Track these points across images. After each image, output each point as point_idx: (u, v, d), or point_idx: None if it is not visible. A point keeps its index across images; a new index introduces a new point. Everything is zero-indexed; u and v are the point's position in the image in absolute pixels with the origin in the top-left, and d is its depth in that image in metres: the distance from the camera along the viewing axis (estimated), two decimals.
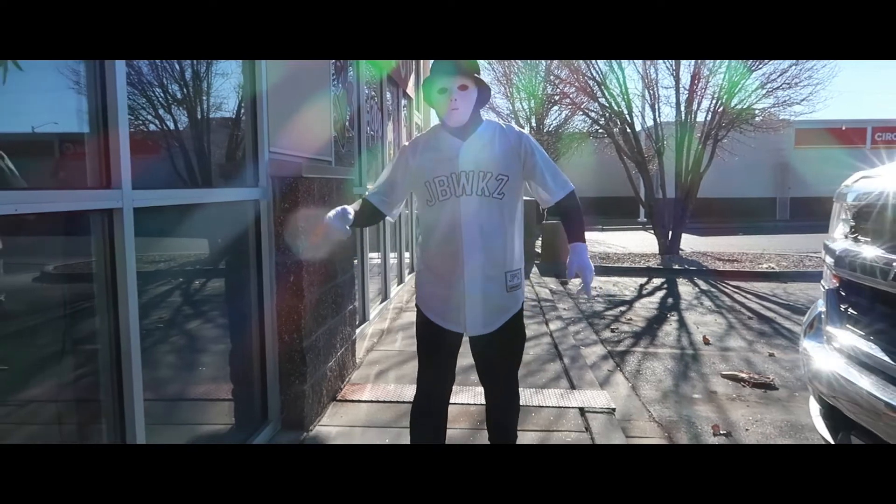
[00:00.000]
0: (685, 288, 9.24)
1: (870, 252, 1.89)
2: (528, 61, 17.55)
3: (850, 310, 2.05)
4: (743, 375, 4.75)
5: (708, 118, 12.68)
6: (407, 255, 7.54)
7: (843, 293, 2.11)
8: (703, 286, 9.39)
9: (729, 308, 7.63)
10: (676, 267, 11.13)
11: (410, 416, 2.49)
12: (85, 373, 2.01)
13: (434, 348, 2.38)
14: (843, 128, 24.84)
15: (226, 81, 2.93)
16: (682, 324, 6.79)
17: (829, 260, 2.18)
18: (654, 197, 13.02)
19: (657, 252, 12.92)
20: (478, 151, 2.25)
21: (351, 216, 2.18)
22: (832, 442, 2.03)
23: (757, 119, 13.35)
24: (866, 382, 1.78)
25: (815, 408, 2.19)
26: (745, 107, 12.47)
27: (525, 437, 3.18)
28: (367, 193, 2.45)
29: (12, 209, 1.58)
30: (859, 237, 2.04)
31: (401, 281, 7.10)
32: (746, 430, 3.75)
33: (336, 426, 3.35)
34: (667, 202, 13.13)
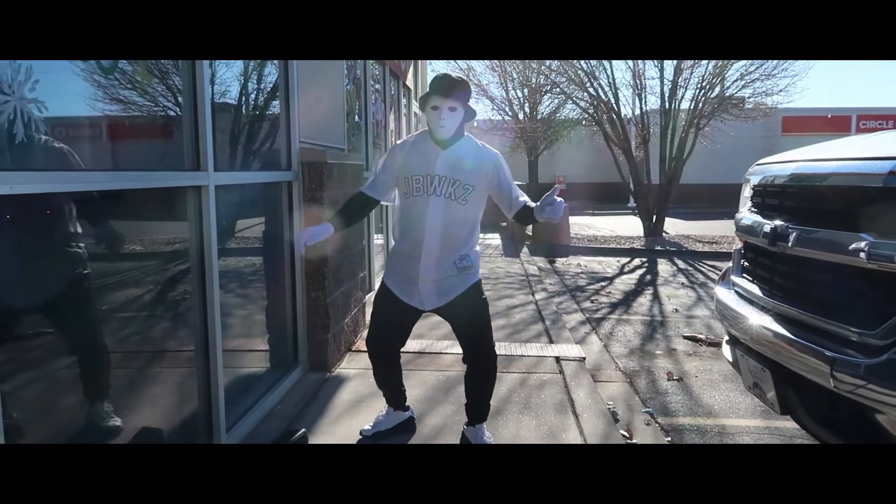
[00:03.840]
0: (664, 267, 9.95)
1: (757, 220, 2.57)
2: None
3: (745, 263, 2.74)
4: (701, 337, 5.47)
5: (691, 107, 13.34)
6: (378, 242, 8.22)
7: (743, 252, 2.79)
8: (682, 265, 10.10)
9: (701, 284, 8.34)
10: (658, 248, 11.84)
11: (373, 371, 2.95)
12: (182, 317, 2.68)
13: (382, 314, 2.83)
14: (829, 116, 25.54)
15: (267, 83, 3.59)
16: (656, 296, 7.51)
17: (737, 227, 2.86)
18: (640, 182, 13.70)
19: (642, 235, 13.63)
20: (453, 161, 2.65)
21: (331, 226, 2.70)
22: (730, 359, 2.74)
23: (743, 107, 14.04)
24: (746, 311, 2.48)
25: (725, 339, 2.89)
26: (725, 97, 13.15)
27: (508, 378, 3.88)
28: (363, 188, 2.85)
29: (121, 185, 2.19)
30: (753, 209, 2.72)
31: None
32: (696, 377, 4.47)
33: (353, 369, 4.04)
34: (651, 187, 13.81)
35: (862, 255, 1.87)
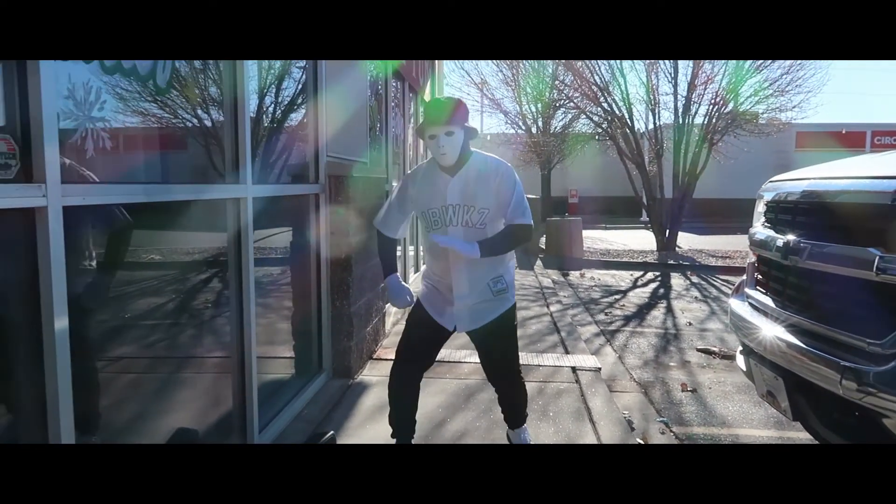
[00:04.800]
0: (677, 281, 10.02)
1: (770, 234, 2.67)
2: (536, 64, 18.32)
3: (759, 276, 2.85)
4: (715, 349, 5.54)
5: (704, 122, 13.44)
6: (411, 251, 8.31)
7: (757, 265, 2.89)
8: (695, 280, 10.16)
9: (714, 298, 8.41)
10: (671, 262, 11.91)
11: (388, 386, 2.80)
12: (221, 323, 2.82)
13: (414, 331, 2.76)
14: (844, 131, 25.51)
15: (298, 99, 3.75)
16: (670, 310, 7.59)
17: (751, 242, 2.96)
18: (654, 197, 13.77)
19: (655, 249, 13.69)
20: (462, 187, 2.58)
21: (407, 287, 2.69)
22: (744, 369, 2.84)
23: (758, 122, 14.12)
24: (759, 322, 2.59)
25: (738, 349, 2.99)
26: (738, 112, 13.24)
27: (526, 387, 3.97)
28: (378, 224, 2.81)
29: (173, 197, 2.33)
30: (766, 224, 2.83)
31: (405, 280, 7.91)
32: (709, 388, 4.55)
33: (374, 376, 4.16)
34: (665, 202, 13.88)
35: (871, 268, 1.98)
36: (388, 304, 5.72)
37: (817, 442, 2.55)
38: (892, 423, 1.88)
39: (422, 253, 2.55)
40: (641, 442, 3.39)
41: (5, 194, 1.44)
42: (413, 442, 2.89)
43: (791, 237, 2.45)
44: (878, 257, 1.96)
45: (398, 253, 4.68)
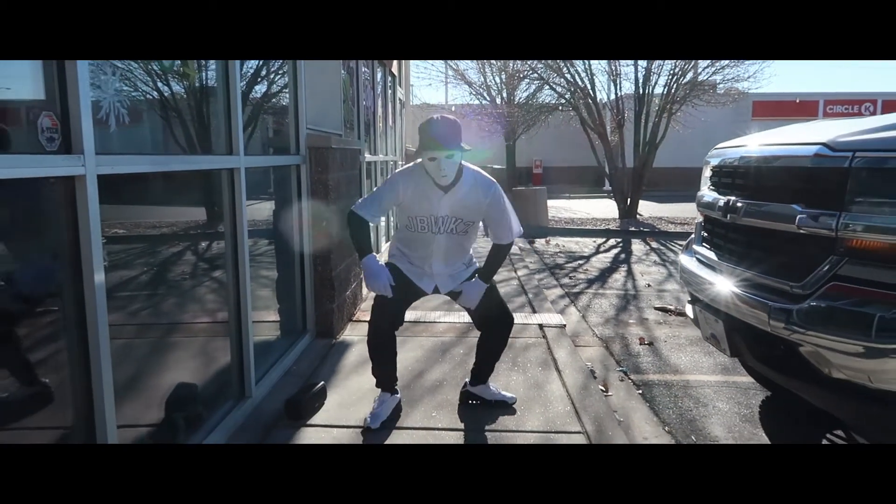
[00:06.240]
0: (638, 246, 10.46)
1: (714, 196, 3.00)
2: None
3: (705, 234, 3.19)
4: (671, 307, 5.95)
5: (664, 92, 13.84)
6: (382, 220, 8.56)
7: (703, 224, 3.24)
8: (655, 245, 10.63)
9: (672, 262, 8.85)
10: (633, 229, 12.37)
11: (368, 344, 3.01)
12: (219, 287, 3.05)
13: (396, 288, 2.89)
14: (798, 101, 26.33)
15: (279, 74, 3.94)
16: (630, 273, 8.00)
17: (698, 204, 3.29)
18: (615, 166, 14.18)
19: (617, 217, 14.15)
20: (454, 203, 2.86)
21: (386, 270, 2.87)
22: (691, 317, 3.19)
23: (714, 92, 14.58)
24: (704, 273, 2.94)
25: (687, 300, 3.34)
26: (697, 82, 13.67)
27: None
28: (358, 209, 2.93)
29: (175, 167, 2.56)
30: (711, 187, 3.16)
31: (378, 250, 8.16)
32: (665, 341, 4.94)
33: (355, 336, 4.43)
34: (626, 171, 14.31)
35: (793, 222, 2.31)
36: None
37: (758, 386, 2.90)
38: (806, 350, 2.23)
39: (393, 221, 2.74)
40: (603, 388, 3.74)
41: (52, 164, 1.66)
42: (397, 389, 3.19)
43: (730, 197, 2.78)
44: (798, 212, 2.30)
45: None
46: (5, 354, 1.72)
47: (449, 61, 21.59)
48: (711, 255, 3.00)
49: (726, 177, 3.03)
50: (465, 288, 3.01)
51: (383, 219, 7.02)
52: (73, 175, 1.73)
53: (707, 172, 3.28)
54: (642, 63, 13.65)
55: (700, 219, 3.32)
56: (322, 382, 3.25)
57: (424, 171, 2.85)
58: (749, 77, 14.05)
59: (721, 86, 14.47)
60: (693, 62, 13.26)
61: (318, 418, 3.08)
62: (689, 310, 3.26)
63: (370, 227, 3.04)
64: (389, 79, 8.93)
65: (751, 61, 13.61)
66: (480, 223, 3.09)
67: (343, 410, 3.17)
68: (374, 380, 3.12)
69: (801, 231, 2.29)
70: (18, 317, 1.77)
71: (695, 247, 3.27)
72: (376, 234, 7.25)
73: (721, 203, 2.84)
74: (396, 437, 2.91)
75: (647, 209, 15.93)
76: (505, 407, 3.21)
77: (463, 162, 2.88)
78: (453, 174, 2.81)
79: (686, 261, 3.26)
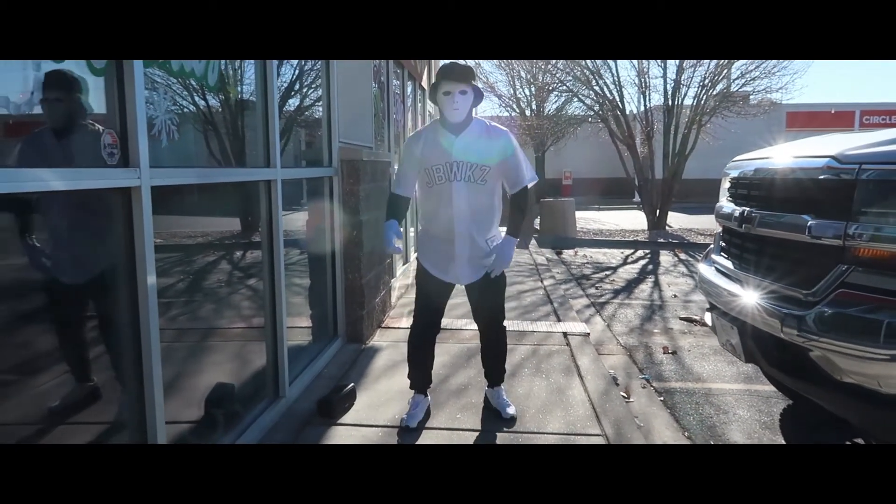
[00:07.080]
0: (666, 258, 10.46)
1: (732, 207, 3.09)
2: None
3: (723, 244, 3.28)
4: (696, 318, 5.99)
5: (694, 104, 13.83)
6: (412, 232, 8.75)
7: (721, 234, 3.32)
8: (683, 257, 10.61)
9: None
10: (661, 241, 12.35)
11: (408, 346, 3.25)
12: (257, 293, 3.23)
13: (427, 294, 3.14)
14: (833, 111, 25.92)
15: (313, 89, 4.14)
16: (657, 284, 8.03)
17: (717, 214, 3.38)
18: (645, 178, 14.18)
19: (646, 228, 14.13)
20: (467, 145, 2.90)
21: (400, 231, 2.99)
22: (710, 324, 3.27)
23: (743, 104, 14.52)
24: (721, 282, 3.02)
25: (706, 308, 3.42)
26: (727, 94, 13.64)
27: (521, 349, 4.42)
28: (394, 189, 3.09)
29: (217, 179, 2.75)
30: (729, 199, 3.24)
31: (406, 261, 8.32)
32: (689, 351, 4.99)
33: (384, 342, 4.59)
34: (655, 183, 14.30)
35: (805, 232, 2.40)
36: (393, 280, 6.14)
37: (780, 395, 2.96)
38: (817, 355, 2.31)
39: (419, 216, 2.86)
40: (624, 395, 3.83)
41: (112, 177, 1.85)
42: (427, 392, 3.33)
43: (746, 208, 2.87)
44: (809, 222, 2.38)
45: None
46: (69, 352, 1.90)
47: (479, 74, 21.82)
48: (728, 263, 3.09)
49: (742, 188, 3.12)
50: (497, 251, 3.04)
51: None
52: (130, 186, 1.91)
53: (725, 184, 3.37)
54: (671, 75, 13.69)
55: (719, 229, 3.41)
56: (352, 384, 3.41)
57: (435, 126, 2.99)
58: (780, 88, 13.99)
59: (753, 97, 14.40)
60: (724, 73, 13.24)
61: (348, 418, 3.23)
62: (707, 317, 3.34)
63: (405, 201, 3.12)
64: (420, 92, 9.13)
65: (782, 72, 13.56)
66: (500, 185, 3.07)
67: (372, 411, 3.32)
68: (402, 383, 3.27)
69: (812, 240, 2.38)
70: (80, 315, 1.95)
71: (713, 256, 3.36)
72: (405, 244, 7.42)
73: (737, 213, 2.93)
74: (425, 437, 3.05)
75: (677, 220, 15.86)
76: (526, 410, 3.32)
77: (475, 113, 2.96)
78: (465, 111, 2.87)
79: (705, 270, 3.35)
